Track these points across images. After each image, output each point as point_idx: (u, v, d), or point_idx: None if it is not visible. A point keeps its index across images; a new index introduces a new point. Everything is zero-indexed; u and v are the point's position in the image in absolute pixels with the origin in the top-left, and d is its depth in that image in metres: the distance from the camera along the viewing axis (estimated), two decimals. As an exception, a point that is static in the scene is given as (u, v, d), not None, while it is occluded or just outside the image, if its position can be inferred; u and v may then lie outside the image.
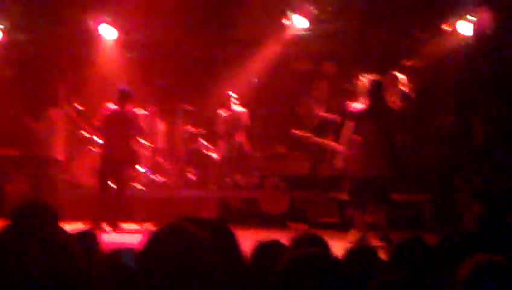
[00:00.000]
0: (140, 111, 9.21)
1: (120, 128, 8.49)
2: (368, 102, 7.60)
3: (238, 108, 10.10)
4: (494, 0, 9.47)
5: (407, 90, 8.84)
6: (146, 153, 10.02)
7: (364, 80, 7.77)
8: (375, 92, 7.60)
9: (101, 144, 9.09)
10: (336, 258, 2.31)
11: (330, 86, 10.57)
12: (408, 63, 10.19)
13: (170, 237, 2.14)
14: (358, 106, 7.67)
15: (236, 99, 10.17)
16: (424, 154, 9.40)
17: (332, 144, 8.93)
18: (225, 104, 10.13)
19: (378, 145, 7.52)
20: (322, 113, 9.75)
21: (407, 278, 2.36)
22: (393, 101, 8.36)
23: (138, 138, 9.58)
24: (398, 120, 8.14)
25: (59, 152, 8.97)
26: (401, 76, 8.93)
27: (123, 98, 8.54)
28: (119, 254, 2.68)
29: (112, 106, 8.62)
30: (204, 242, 2.16)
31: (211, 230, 2.56)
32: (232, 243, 2.69)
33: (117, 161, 8.50)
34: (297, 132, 9.48)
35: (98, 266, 2.78)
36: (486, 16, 9.40)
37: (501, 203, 8.09)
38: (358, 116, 7.61)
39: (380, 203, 7.56)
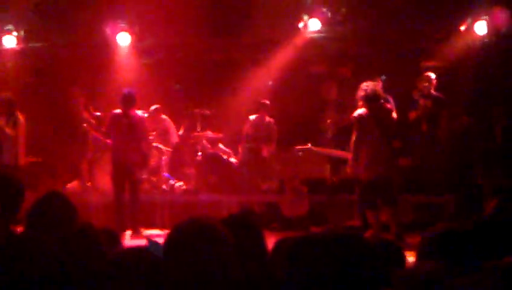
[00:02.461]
0: (143, 113, 9.18)
1: (127, 133, 8.50)
2: (367, 107, 7.69)
3: (268, 118, 10.25)
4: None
5: (430, 92, 8.91)
6: (165, 158, 10.03)
7: (363, 86, 7.84)
8: (373, 98, 7.68)
9: (111, 149, 9.10)
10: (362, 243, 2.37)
11: (345, 89, 10.59)
12: (426, 64, 10.21)
13: (193, 230, 2.26)
14: (360, 111, 7.74)
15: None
16: (444, 154, 9.39)
17: (338, 152, 9.03)
18: (258, 110, 10.24)
19: (381, 148, 7.66)
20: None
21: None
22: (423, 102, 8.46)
23: (152, 144, 9.65)
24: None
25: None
26: (425, 77, 9.00)
27: (128, 102, 8.53)
28: (146, 247, 2.69)
29: (117, 111, 8.61)
30: (224, 236, 2.26)
31: (235, 226, 2.66)
32: (257, 238, 2.79)
33: (127, 165, 8.50)
34: (298, 147, 9.53)
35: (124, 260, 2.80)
36: (501, 14, 9.41)
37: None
38: (361, 121, 7.71)
39: (388, 204, 7.72)
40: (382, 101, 7.86)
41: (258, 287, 2.50)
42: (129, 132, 8.50)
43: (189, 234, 2.33)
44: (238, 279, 2.31)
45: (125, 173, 8.53)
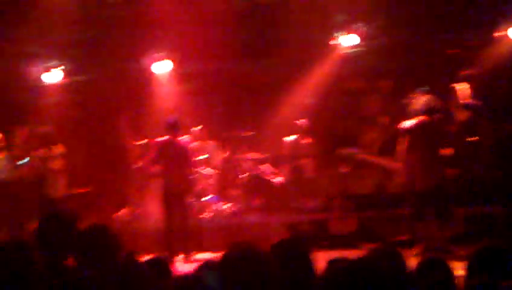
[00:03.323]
0: (188, 138, 9.31)
1: (175, 159, 8.64)
2: (419, 118, 7.64)
3: (305, 139, 10.35)
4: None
5: (469, 101, 8.82)
6: (211, 181, 10.14)
7: (419, 97, 7.81)
8: (427, 110, 7.65)
9: (159, 176, 9.24)
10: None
11: (384, 102, 10.57)
12: (463, 73, 10.13)
13: (241, 260, 2.38)
14: (409, 122, 7.72)
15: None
16: (490, 163, 9.27)
17: (386, 162, 8.98)
18: (295, 132, 10.40)
19: (429, 159, 7.59)
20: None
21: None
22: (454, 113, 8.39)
23: (198, 168, 9.79)
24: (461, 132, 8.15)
25: None
26: (463, 86, 8.92)
27: (172, 129, 8.69)
28: (200, 275, 2.76)
29: (164, 138, 8.77)
30: (271, 265, 2.39)
31: (284, 251, 2.70)
32: (304, 262, 2.83)
33: (175, 191, 8.64)
34: (342, 150, 9.53)
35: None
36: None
37: None
38: (410, 132, 7.67)
39: (440, 216, 7.65)
40: (435, 112, 7.78)
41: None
42: (176, 158, 8.64)
43: (240, 265, 2.42)
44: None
45: (175, 199, 8.66)
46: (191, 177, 8.89)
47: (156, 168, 9.13)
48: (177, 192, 8.64)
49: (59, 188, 9.05)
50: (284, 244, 2.94)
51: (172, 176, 8.67)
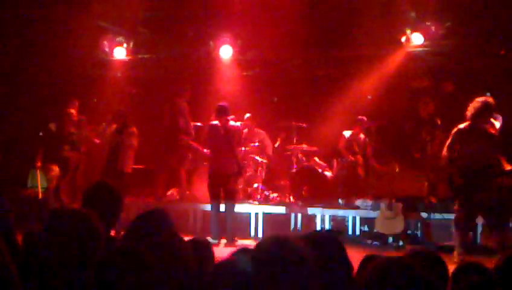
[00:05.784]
0: (238, 123, 9.36)
1: (223, 143, 8.71)
2: (471, 122, 7.39)
3: (363, 135, 10.31)
4: None
5: None
6: (260, 169, 10.19)
7: (477, 99, 7.54)
8: (480, 113, 7.37)
9: (208, 159, 9.35)
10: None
11: (447, 104, 10.29)
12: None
13: (274, 248, 2.35)
14: (461, 126, 7.49)
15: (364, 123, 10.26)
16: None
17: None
18: (354, 126, 10.34)
19: (479, 166, 7.31)
20: None
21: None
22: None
23: (251, 155, 9.84)
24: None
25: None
26: None
27: (223, 113, 8.76)
28: (235, 259, 2.78)
29: (215, 122, 8.85)
30: (305, 254, 2.35)
31: (319, 243, 2.69)
32: (340, 255, 2.79)
33: (223, 174, 8.71)
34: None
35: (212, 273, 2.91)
36: None
37: None
38: (461, 135, 7.43)
39: (495, 226, 7.46)
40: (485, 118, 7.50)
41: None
42: (225, 142, 8.73)
43: (273, 252, 2.44)
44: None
45: (222, 183, 8.74)
46: (239, 162, 8.94)
47: (206, 151, 9.26)
48: (225, 176, 8.72)
49: (127, 163, 9.32)
50: (320, 236, 2.93)
51: (220, 160, 8.76)
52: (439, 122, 9.63)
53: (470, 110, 7.45)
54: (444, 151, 7.56)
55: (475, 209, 7.45)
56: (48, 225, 2.96)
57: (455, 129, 7.57)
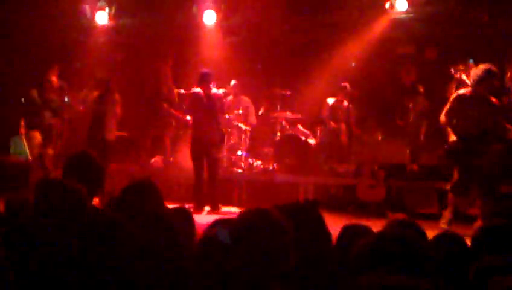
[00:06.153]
0: (221, 90, 9.32)
1: (206, 111, 8.68)
2: (473, 89, 7.37)
3: (346, 102, 10.28)
4: None
5: None
6: (244, 137, 10.20)
7: (479, 67, 7.47)
8: (481, 80, 7.33)
9: (191, 127, 9.31)
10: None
11: (430, 71, 10.31)
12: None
13: (255, 221, 2.44)
14: (462, 91, 7.47)
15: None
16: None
17: None
18: (337, 94, 10.29)
19: (479, 132, 7.30)
20: None
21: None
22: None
23: (235, 122, 9.84)
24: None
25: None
26: None
27: (205, 80, 8.70)
28: (214, 231, 2.82)
29: (197, 90, 8.79)
30: (283, 226, 2.44)
31: (297, 213, 2.75)
32: (318, 225, 2.83)
33: (206, 142, 8.69)
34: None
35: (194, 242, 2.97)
36: None
37: None
38: (461, 101, 7.39)
39: (485, 194, 7.39)
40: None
41: (316, 269, 2.63)
42: (208, 110, 8.70)
43: (252, 225, 2.50)
44: (296, 265, 2.45)
45: (204, 151, 8.74)
46: (222, 130, 8.94)
47: (189, 119, 9.23)
48: (207, 144, 8.71)
49: (110, 131, 9.23)
50: (299, 207, 2.95)
51: (203, 127, 8.73)
52: (421, 89, 9.65)
53: (472, 77, 7.40)
54: (442, 117, 7.47)
55: (473, 175, 7.39)
56: (35, 197, 3.00)
57: (455, 95, 7.48)
